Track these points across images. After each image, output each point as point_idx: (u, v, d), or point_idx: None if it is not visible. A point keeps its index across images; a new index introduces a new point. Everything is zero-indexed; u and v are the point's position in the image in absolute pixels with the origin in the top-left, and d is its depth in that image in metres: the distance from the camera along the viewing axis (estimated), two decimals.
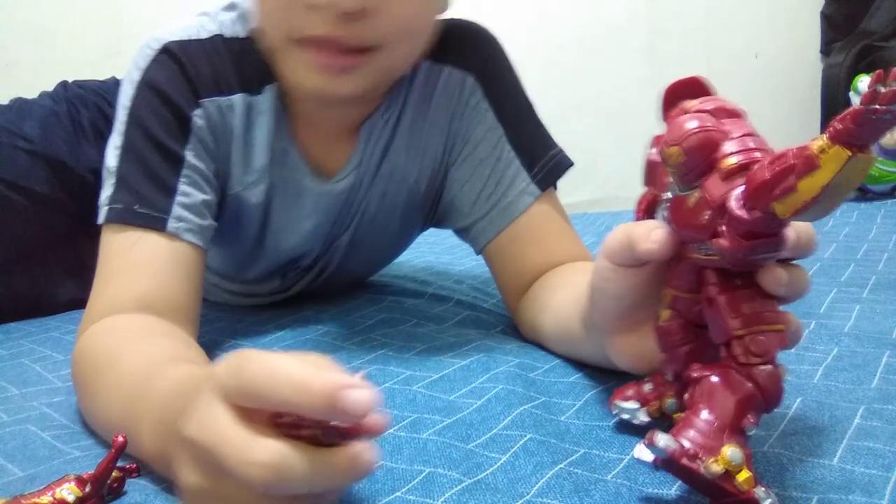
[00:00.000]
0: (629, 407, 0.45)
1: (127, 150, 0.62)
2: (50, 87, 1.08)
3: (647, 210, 0.43)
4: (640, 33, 2.04)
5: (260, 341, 0.74)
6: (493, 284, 0.78)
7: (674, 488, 0.39)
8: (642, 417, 0.44)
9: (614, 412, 0.46)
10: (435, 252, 1.25)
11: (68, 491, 0.39)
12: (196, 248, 0.62)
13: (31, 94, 1.08)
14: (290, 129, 0.69)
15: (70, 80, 1.10)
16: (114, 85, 1.07)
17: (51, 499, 0.39)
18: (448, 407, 0.52)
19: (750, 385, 0.35)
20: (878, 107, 0.26)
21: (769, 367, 0.35)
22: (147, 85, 0.63)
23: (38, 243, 1.01)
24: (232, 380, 0.31)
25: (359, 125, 0.70)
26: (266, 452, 0.29)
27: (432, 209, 0.79)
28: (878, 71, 0.27)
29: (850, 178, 0.29)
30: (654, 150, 0.39)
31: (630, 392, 0.46)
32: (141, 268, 0.59)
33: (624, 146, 2.07)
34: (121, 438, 0.39)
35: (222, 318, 0.85)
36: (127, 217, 0.60)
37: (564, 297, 0.58)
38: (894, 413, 0.46)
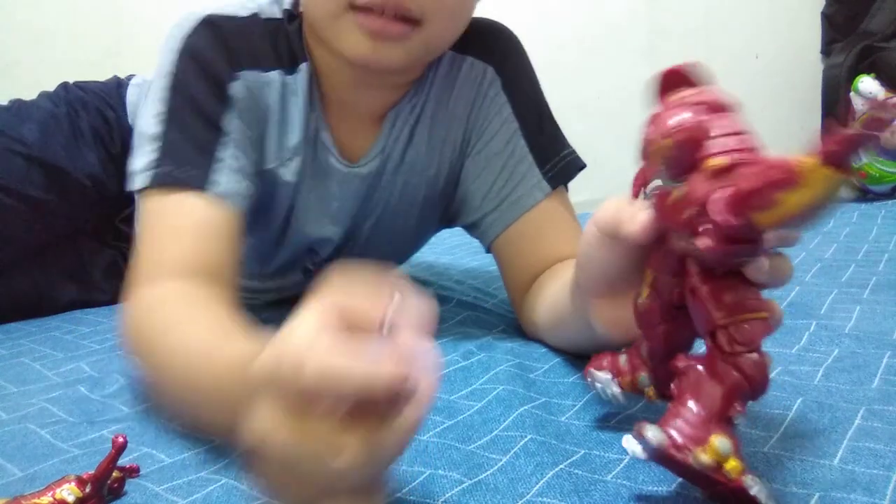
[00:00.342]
0: (602, 376, 0.45)
1: (170, 116, 0.63)
2: (50, 88, 1.08)
3: (642, 187, 0.43)
4: (640, 34, 2.04)
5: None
6: (494, 284, 0.78)
7: (673, 486, 0.38)
8: (614, 389, 0.45)
9: (588, 380, 0.47)
10: (435, 252, 1.25)
11: (68, 491, 0.39)
12: (235, 212, 0.62)
13: (32, 94, 1.07)
14: (322, 110, 0.70)
15: (71, 81, 1.10)
16: (115, 86, 1.06)
17: (51, 499, 0.39)
18: (449, 407, 0.52)
19: (736, 374, 0.35)
20: (877, 133, 0.26)
21: (755, 355, 0.35)
22: (188, 53, 0.64)
23: (36, 246, 1.01)
24: (291, 382, 0.29)
25: (384, 112, 0.71)
26: (355, 440, 0.29)
27: (448, 206, 0.80)
28: (875, 100, 0.27)
29: (833, 195, 0.29)
30: (651, 128, 0.39)
31: (605, 362, 0.46)
32: (183, 233, 0.60)
33: (624, 146, 2.08)
34: (121, 439, 0.39)
35: None
36: (170, 181, 0.61)
37: (560, 284, 0.59)
38: (895, 414, 0.46)
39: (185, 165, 0.61)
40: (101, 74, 1.11)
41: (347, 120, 0.71)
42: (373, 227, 0.78)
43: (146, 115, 0.65)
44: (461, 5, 0.65)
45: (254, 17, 0.68)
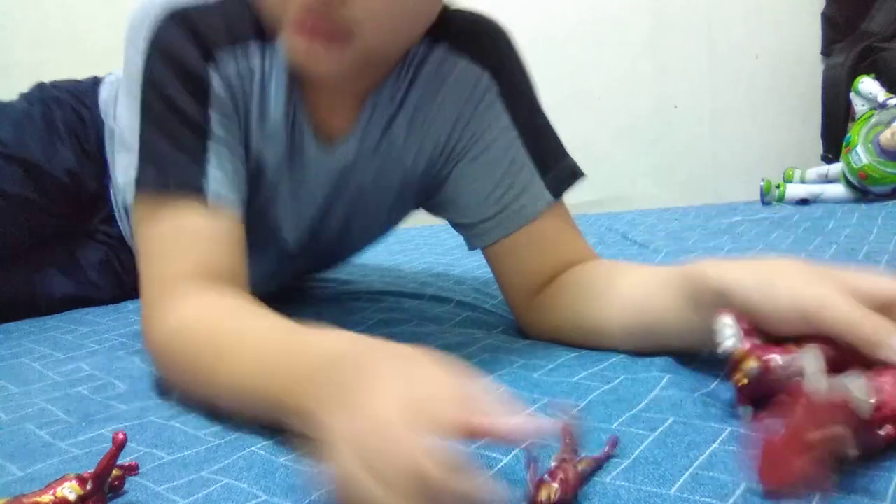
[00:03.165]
0: (733, 329, 0.46)
1: (150, 124, 0.61)
2: None
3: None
4: (641, 31, 2.04)
5: None
6: (494, 285, 0.78)
7: (674, 488, 0.38)
8: (733, 343, 0.45)
9: (721, 318, 0.46)
10: (435, 253, 1.25)
11: (69, 489, 0.39)
12: (235, 208, 0.62)
13: None
14: (300, 87, 0.68)
15: (48, 81, 1.10)
16: (91, 84, 1.07)
17: (52, 498, 0.38)
18: None
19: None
20: None
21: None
22: (159, 52, 0.62)
23: (23, 244, 1.02)
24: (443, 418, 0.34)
25: (363, 94, 0.69)
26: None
27: (427, 195, 0.78)
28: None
29: None
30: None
31: (745, 324, 0.46)
32: (187, 242, 0.59)
33: (625, 145, 2.08)
34: (121, 436, 0.39)
35: None
36: (159, 189, 0.60)
37: (638, 281, 0.60)
38: None
39: (173, 170, 0.60)
40: (101, 74, 1.11)
41: (326, 99, 0.69)
42: (345, 210, 0.77)
43: (126, 121, 0.63)
44: (398, 16, 0.60)
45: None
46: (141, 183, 0.60)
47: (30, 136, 1.00)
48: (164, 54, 0.62)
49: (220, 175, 0.61)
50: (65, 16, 1.71)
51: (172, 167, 0.60)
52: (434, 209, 0.80)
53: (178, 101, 0.61)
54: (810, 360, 0.37)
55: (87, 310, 1.01)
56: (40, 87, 1.07)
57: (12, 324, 0.95)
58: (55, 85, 1.08)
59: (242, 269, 0.61)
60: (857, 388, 0.35)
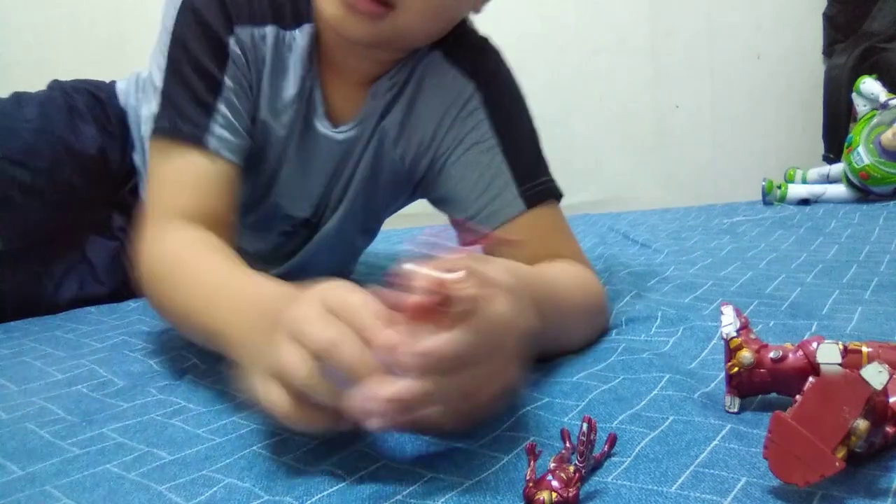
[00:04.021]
0: (731, 318, 0.47)
1: (171, 71, 0.68)
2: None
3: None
4: (642, 35, 2.04)
5: None
6: None
7: (674, 487, 0.38)
8: (730, 332, 0.47)
9: (725, 308, 0.48)
10: None
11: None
12: (233, 164, 0.68)
13: None
14: (318, 71, 0.73)
15: (74, 80, 1.11)
16: (104, 83, 1.09)
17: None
18: None
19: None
20: None
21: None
22: (188, 9, 0.69)
23: (40, 230, 1.01)
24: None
25: (370, 84, 0.75)
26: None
27: (419, 189, 0.83)
28: None
29: None
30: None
31: (744, 318, 0.48)
32: (184, 183, 0.66)
33: (626, 147, 2.08)
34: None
35: None
36: (171, 134, 0.67)
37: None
38: None
39: (185, 120, 0.66)
40: (102, 74, 1.12)
41: (340, 83, 0.75)
42: (345, 190, 0.81)
43: (153, 65, 0.70)
44: (441, 3, 0.67)
45: None
46: (158, 125, 0.67)
47: (55, 116, 1.03)
48: (193, 13, 0.69)
49: (224, 125, 0.67)
50: (65, 15, 1.72)
51: (185, 116, 0.67)
52: (435, 205, 0.83)
53: (198, 56, 0.68)
54: (824, 350, 0.37)
55: (88, 308, 1.01)
56: (56, 81, 1.10)
57: (14, 322, 0.95)
58: (70, 82, 1.10)
59: (227, 215, 0.67)
60: (870, 368, 0.36)
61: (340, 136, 0.76)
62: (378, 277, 1.01)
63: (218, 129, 0.67)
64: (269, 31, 0.71)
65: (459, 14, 0.72)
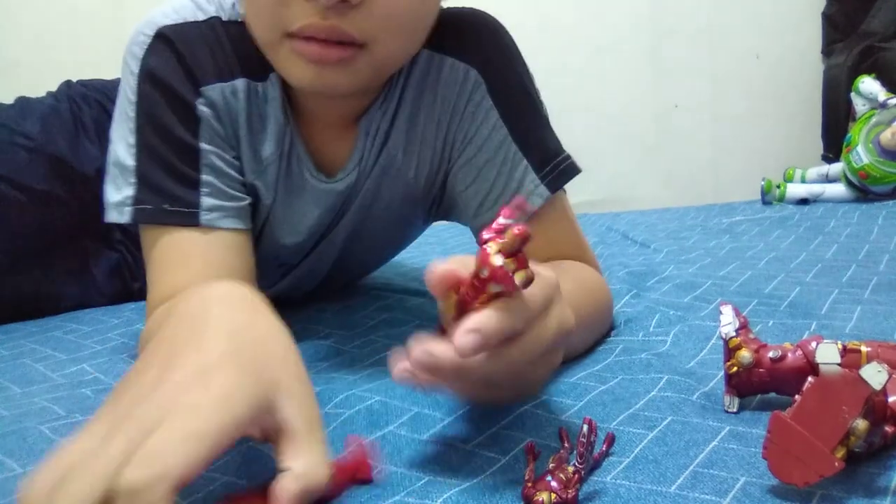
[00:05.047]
0: (730, 318, 0.48)
1: (142, 148, 0.62)
2: (52, 88, 1.08)
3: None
4: (643, 36, 2.04)
5: None
6: None
7: (673, 486, 0.39)
8: (729, 333, 0.47)
9: (724, 306, 0.49)
10: (437, 252, 1.26)
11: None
12: (237, 230, 0.63)
13: (33, 94, 1.07)
14: (294, 120, 0.67)
15: (74, 79, 1.10)
16: (118, 83, 1.07)
17: None
18: (448, 406, 0.52)
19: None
20: None
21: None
22: (148, 77, 0.62)
23: (38, 242, 1.01)
24: None
25: (356, 119, 0.68)
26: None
27: (433, 205, 0.78)
28: None
29: None
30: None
31: (742, 317, 0.48)
32: (188, 261, 0.61)
33: (625, 147, 2.08)
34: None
35: None
36: (158, 217, 0.61)
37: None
38: None
39: (170, 199, 0.61)
40: (103, 74, 1.12)
41: (321, 129, 0.68)
42: (348, 231, 0.76)
43: (118, 141, 0.64)
44: (412, 21, 0.59)
45: (212, 22, 0.64)
46: (138, 206, 0.62)
47: (57, 131, 1.00)
48: (155, 79, 0.62)
49: (215, 201, 0.62)
50: (66, 16, 1.72)
51: (169, 196, 0.61)
52: (445, 216, 0.80)
53: (168, 125, 0.62)
54: (823, 349, 0.38)
55: (89, 310, 1.01)
56: (68, 84, 1.08)
57: (14, 324, 0.95)
58: (83, 83, 1.08)
59: (243, 279, 0.61)
60: (869, 368, 0.36)
61: (341, 186, 0.70)
62: (390, 277, 1.02)
63: (208, 201, 0.62)
64: (240, 84, 0.64)
65: (434, 14, 0.63)
